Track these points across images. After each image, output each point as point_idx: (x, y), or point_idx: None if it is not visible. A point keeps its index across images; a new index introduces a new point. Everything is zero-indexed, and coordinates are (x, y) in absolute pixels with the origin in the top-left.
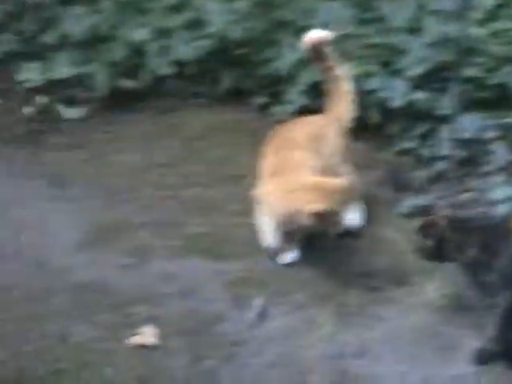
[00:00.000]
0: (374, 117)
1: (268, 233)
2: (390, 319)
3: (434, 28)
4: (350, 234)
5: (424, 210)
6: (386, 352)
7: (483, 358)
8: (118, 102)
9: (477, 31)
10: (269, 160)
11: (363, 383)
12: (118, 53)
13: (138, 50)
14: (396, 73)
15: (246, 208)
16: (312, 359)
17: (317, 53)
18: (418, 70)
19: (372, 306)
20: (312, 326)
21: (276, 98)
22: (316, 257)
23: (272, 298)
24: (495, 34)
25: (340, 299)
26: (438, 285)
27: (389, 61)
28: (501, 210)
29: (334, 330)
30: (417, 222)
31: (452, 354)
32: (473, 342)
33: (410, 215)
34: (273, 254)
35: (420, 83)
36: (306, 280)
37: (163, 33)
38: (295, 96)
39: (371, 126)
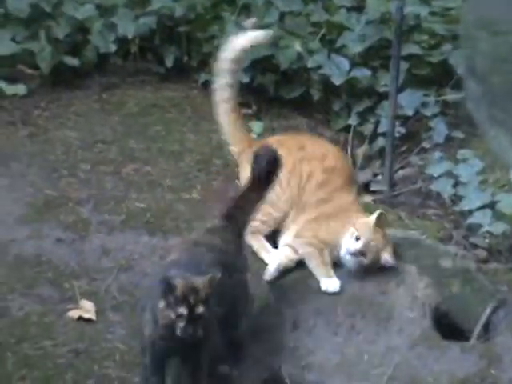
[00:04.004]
0: (317, 94)
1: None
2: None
3: (375, 6)
4: None
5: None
6: (322, 324)
7: None
8: (62, 79)
9: (418, 9)
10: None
11: (298, 355)
12: (61, 30)
13: (81, 28)
14: (338, 50)
15: (185, 184)
16: (248, 332)
17: None
18: (359, 48)
19: (308, 278)
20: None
21: None
22: None
23: None
24: (436, 13)
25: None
26: None
27: (331, 38)
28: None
29: (270, 303)
30: None
31: (387, 325)
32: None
33: None
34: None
35: (361, 61)
36: None
37: (107, 10)
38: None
39: (314, 103)
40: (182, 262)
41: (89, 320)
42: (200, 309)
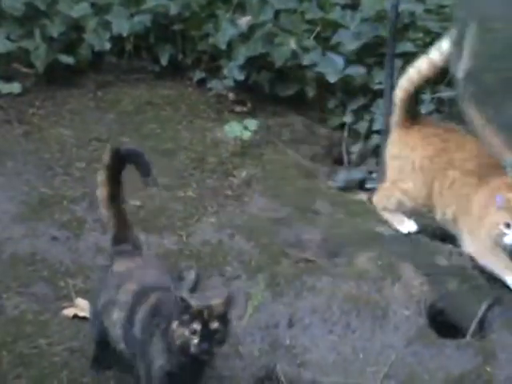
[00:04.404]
0: (312, 92)
1: None
2: (321, 289)
3: (370, 3)
4: None
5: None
6: (317, 322)
7: None
8: (56, 77)
9: (413, 7)
10: None
11: (294, 353)
12: (56, 28)
13: (76, 26)
14: (333, 48)
15: (180, 182)
16: (244, 330)
17: None
18: (354, 45)
19: (304, 276)
20: (244, 297)
21: (214, 72)
22: (249, 229)
23: (205, 270)
24: (431, 10)
25: (272, 270)
26: (370, 256)
27: (326, 36)
28: None
29: (265, 301)
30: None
31: (383, 323)
32: (404, 310)
33: (345, 188)
34: None
35: (356, 58)
36: (239, 252)
37: (101, 8)
38: (233, 71)
39: (309, 101)
40: (156, 282)
41: (84, 318)
42: (214, 324)
